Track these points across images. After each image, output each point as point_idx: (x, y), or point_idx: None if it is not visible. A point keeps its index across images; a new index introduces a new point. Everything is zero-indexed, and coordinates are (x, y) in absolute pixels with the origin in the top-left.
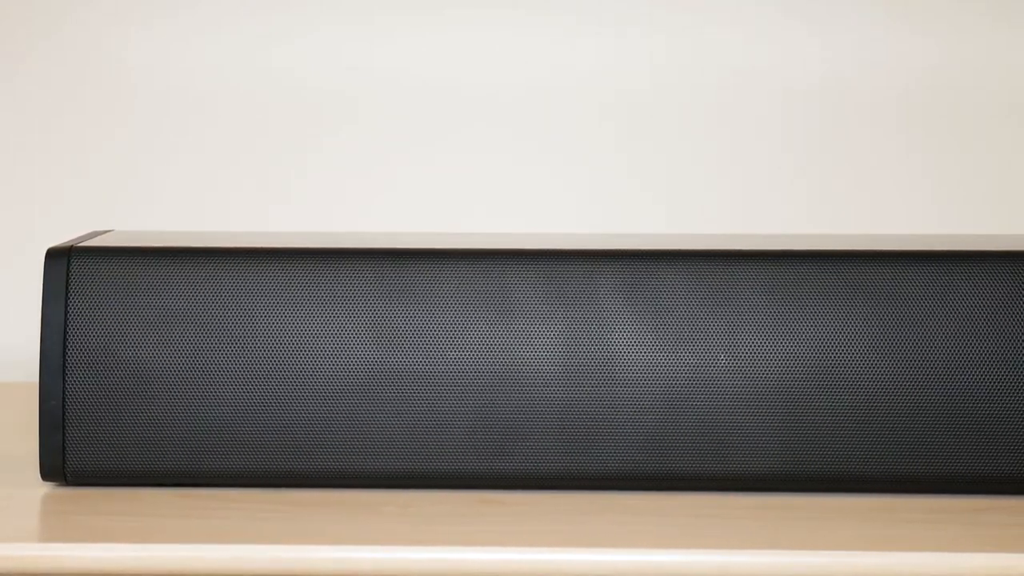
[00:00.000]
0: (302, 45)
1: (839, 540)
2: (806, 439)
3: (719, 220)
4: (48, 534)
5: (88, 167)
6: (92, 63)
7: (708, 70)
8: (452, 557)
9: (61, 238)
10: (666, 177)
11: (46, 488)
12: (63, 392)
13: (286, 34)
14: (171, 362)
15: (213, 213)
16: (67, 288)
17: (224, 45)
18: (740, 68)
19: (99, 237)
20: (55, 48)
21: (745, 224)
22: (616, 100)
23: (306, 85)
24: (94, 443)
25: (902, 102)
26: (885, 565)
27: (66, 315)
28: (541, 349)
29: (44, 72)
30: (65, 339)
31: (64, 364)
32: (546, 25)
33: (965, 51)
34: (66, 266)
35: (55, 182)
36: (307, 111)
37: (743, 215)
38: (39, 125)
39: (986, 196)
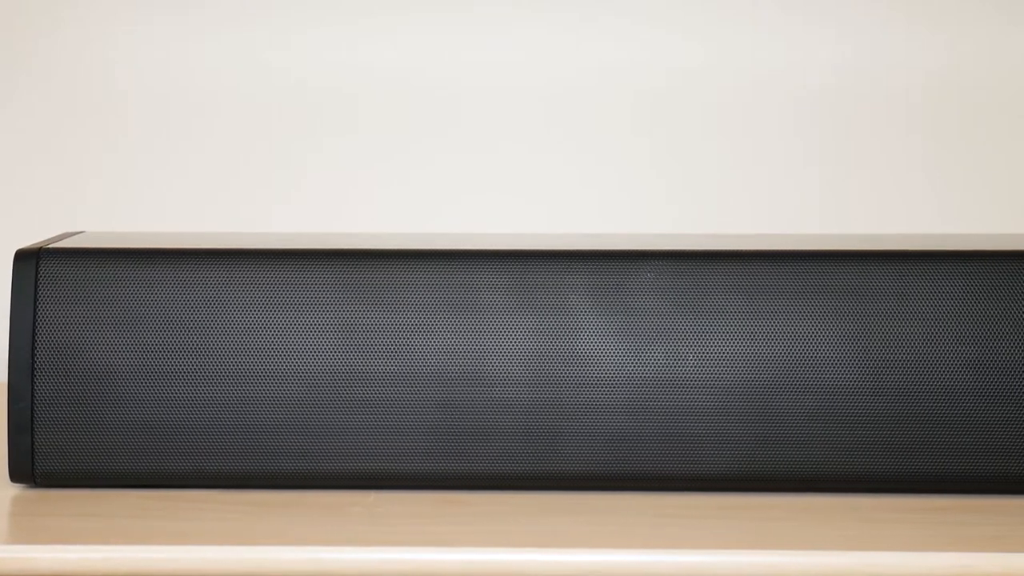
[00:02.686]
0: (300, 45)
1: (806, 540)
2: (773, 439)
3: (731, 219)
4: (16, 536)
5: (82, 168)
6: (86, 64)
7: (721, 70)
8: (418, 558)
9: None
10: (680, 176)
11: (15, 490)
12: (32, 394)
13: (284, 34)
14: (139, 364)
15: (210, 214)
16: (36, 289)
17: (223, 45)
18: (752, 68)
19: (69, 239)
20: (52, 48)
21: (756, 224)
22: (628, 100)
23: (305, 85)
24: (63, 445)
25: (916, 102)
26: (852, 564)
27: (35, 317)
28: (509, 350)
29: (41, 72)
30: (34, 341)
31: (33, 366)
32: (554, 24)
33: (978, 51)
34: (35, 267)
35: (45, 184)
36: (306, 111)
37: (754, 214)
38: (36, 126)
39: (1000, 196)
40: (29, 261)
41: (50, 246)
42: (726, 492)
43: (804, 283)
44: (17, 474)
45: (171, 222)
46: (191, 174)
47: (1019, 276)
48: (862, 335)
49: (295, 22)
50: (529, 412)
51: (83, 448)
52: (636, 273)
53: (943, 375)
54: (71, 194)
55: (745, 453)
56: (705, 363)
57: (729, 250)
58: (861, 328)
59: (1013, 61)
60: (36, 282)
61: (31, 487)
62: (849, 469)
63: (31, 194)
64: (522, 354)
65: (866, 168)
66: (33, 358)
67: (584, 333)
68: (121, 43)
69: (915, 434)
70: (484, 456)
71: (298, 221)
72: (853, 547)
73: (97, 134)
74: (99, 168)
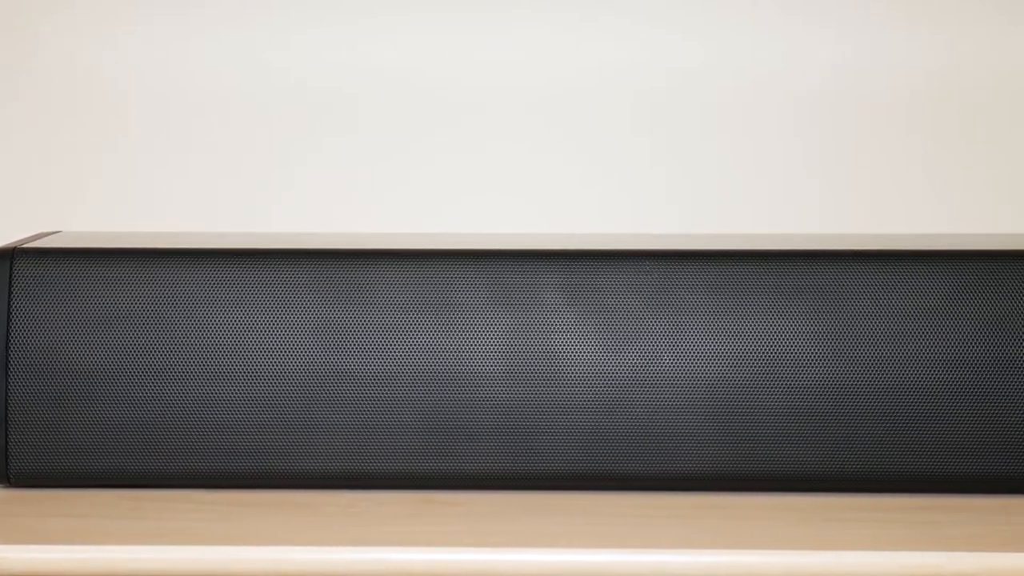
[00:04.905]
0: (300, 45)
1: (781, 539)
2: (749, 438)
3: (731, 219)
4: None
5: (81, 168)
6: (86, 64)
7: (721, 70)
8: (396, 557)
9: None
10: (680, 177)
11: None
12: (6, 393)
13: (284, 34)
14: (114, 363)
15: (210, 214)
16: (10, 289)
17: (223, 45)
18: (752, 68)
19: (44, 238)
20: (52, 48)
21: (755, 224)
22: (628, 100)
23: (305, 85)
24: (37, 445)
25: (916, 102)
26: (828, 564)
27: (9, 316)
28: (484, 350)
29: (41, 72)
30: (8, 340)
31: (7, 365)
32: (554, 24)
33: (978, 51)
34: (9, 267)
35: (44, 184)
36: (306, 111)
37: (754, 214)
38: (35, 126)
39: (1000, 196)
40: (3, 261)
41: (24, 246)
42: (701, 491)
43: (779, 282)
44: None
45: (171, 222)
46: (191, 174)
47: (993, 276)
48: (837, 334)
49: (295, 22)
50: (505, 411)
51: (58, 448)
52: (610, 272)
53: (919, 375)
54: (70, 194)
55: (721, 452)
56: (680, 362)
57: (704, 249)
58: (836, 327)
59: (1013, 61)
60: (10, 281)
61: (5, 487)
62: (825, 469)
63: (30, 194)
64: (498, 353)
65: (866, 168)
66: (7, 357)
67: (559, 332)
68: (121, 43)
69: (891, 434)
70: (460, 455)
71: (297, 221)
72: (829, 547)
73: (96, 134)
74: (98, 168)
